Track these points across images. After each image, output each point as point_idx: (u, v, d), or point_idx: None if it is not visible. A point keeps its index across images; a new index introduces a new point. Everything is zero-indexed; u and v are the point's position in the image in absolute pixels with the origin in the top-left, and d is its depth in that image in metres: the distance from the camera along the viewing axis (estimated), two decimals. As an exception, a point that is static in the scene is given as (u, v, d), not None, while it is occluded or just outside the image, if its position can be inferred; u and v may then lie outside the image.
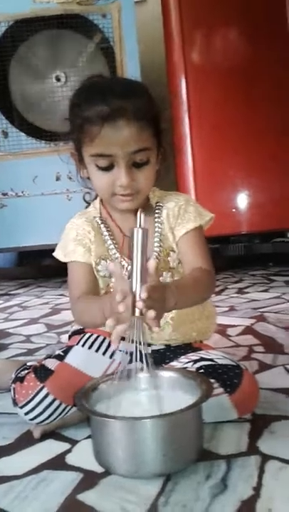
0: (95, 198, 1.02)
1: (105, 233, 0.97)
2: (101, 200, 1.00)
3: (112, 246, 0.96)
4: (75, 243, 0.96)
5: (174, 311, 0.95)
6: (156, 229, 0.96)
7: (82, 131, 0.87)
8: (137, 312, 0.72)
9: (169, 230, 0.97)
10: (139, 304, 0.71)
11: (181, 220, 0.96)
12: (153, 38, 2.48)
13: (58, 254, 1.00)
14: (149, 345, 0.98)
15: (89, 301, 0.91)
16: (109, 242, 0.96)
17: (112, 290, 0.93)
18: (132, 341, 0.75)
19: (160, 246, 0.96)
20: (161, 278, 0.94)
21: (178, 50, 2.34)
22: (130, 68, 2.31)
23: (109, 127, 0.83)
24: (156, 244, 0.96)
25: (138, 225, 0.77)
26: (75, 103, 0.89)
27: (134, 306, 0.72)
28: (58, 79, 2.36)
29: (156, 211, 0.98)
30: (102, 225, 0.97)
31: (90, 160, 0.88)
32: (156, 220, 0.97)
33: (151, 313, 0.72)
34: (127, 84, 0.91)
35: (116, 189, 0.88)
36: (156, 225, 0.97)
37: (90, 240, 0.96)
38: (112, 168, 0.86)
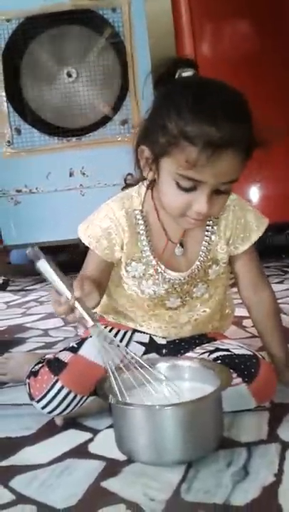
0: (139, 181, 0.92)
1: (142, 232, 0.90)
2: (151, 189, 0.89)
3: (146, 248, 0.90)
4: (103, 234, 0.90)
5: (199, 314, 0.96)
6: (206, 237, 0.92)
7: (176, 145, 0.75)
8: (88, 324, 0.77)
9: (223, 241, 0.92)
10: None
11: (243, 233, 0.92)
12: (163, 32, 2.47)
13: (81, 229, 0.93)
14: (164, 337, 0.99)
15: None
16: (145, 243, 0.90)
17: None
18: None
19: (206, 256, 0.92)
20: (195, 289, 0.93)
21: (188, 44, 2.34)
22: (141, 63, 2.31)
23: (212, 155, 0.73)
24: (202, 254, 0.92)
25: (37, 261, 0.77)
26: (176, 106, 0.76)
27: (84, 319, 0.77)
28: (69, 75, 2.36)
29: (211, 220, 0.91)
30: (140, 221, 0.90)
31: (172, 175, 0.78)
32: (208, 228, 0.91)
33: None
34: (239, 102, 0.79)
35: (190, 212, 0.80)
36: (207, 233, 0.91)
37: (123, 241, 0.90)
38: (193, 191, 0.78)
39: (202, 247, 0.92)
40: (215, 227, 0.92)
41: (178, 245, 0.91)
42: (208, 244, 0.92)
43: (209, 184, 0.77)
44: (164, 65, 0.84)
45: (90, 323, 0.77)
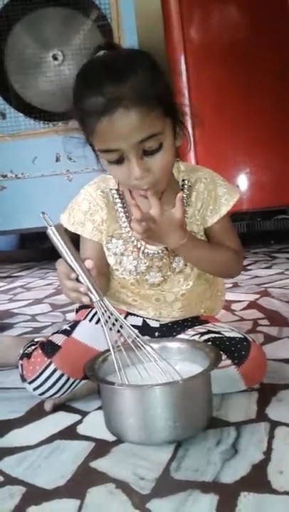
0: None
1: (120, 209, 0.92)
2: None
3: (126, 224, 0.92)
4: (85, 217, 0.92)
5: (185, 289, 0.95)
6: None
7: (83, 124, 0.80)
8: (96, 296, 0.76)
9: (197, 213, 0.93)
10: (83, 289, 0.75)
11: (213, 205, 0.93)
12: (151, 14, 2.43)
13: (64, 219, 0.94)
14: (157, 320, 0.99)
15: None
16: (124, 219, 0.92)
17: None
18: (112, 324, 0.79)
19: None
20: (174, 263, 0.93)
21: (177, 27, 2.31)
22: (128, 45, 2.27)
23: (106, 121, 0.75)
24: None
25: (48, 225, 0.75)
26: (75, 90, 0.80)
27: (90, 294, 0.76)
28: (55, 58, 2.33)
29: (184, 190, 0.92)
30: (117, 200, 0.92)
31: (101, 155, 0.82)
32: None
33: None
34: (122, 60, 0.80)
35: (133, 182, 0.81)
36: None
37: (102, 218, 0.92)
38: (123, 161, 0.79)
39: None
40: (188, 200, 0.93)
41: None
42: (184, 217, 0.91)
43: (126, 149, 0.77)
44: (93, 52, 0.84)
45: (96, 297, 0.76)
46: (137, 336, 0.80)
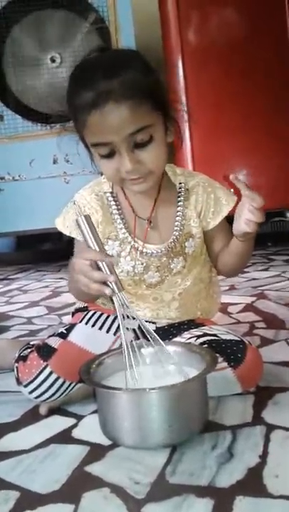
0: None
1: (115, 212, 0.93)
2: None
3: (121, 226, 0.92)
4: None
5: (182, 288, 0.96)
6: (179, 212, 0.93)
7: (76, 120, 0.82)
8: (116, 290, 0.76)
9: (196, 216, 0.94)
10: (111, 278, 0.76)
11: (214, 207, 0.94)
12: (149, 18, 2.44)
13: (59, 223, 0.97)
14: (153, 322, 0.98)
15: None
16: (119, 221, 0.92)
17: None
18: (127, 317, 0.78)
19: (180, 230, 0.93)
20: (172, 264, 0.94)
21: (174, 30, 2.31)
22: (126, 48, 2.28)
23: (97, 114, 0.77)
24: (176, 228, 0.93)
25: (78, 214, 0.77)
26: (68, 90, 0.83)
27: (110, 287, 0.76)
28: (52, 60, 2.33)
29: (180, 194, 0.94)
30: (112, 203, 0.93)
31: (93, 150, 0.84)
32: (179, 204, 0.93)
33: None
34: (114, 59, 0.83)
35: (123, 175, 0.82)
36: (180, 208, 0.93)
37: (97, 221, 0.92)
38: (115, 155, 0.81)
39: (176, 222, 0.93)
40: (186, 202, 0.94)
41: (146, 221, 0.93)
42: (182, 219, 0.94)
43: (117, 142, 0.79)
44: (87, 56, 0.87)
45: (115, 290, 0.76)
46: (151, 335, 0.81)
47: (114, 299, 0.77)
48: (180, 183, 0.94)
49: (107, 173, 0.86)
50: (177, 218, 0.93)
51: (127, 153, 0.79)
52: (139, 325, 0.98)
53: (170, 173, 0.95)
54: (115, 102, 0.76)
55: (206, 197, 0.94)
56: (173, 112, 0.86)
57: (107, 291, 0.76)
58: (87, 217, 0.78)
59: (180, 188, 0.94)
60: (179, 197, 0.94)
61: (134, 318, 0.80)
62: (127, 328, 0.81)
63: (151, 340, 0.81)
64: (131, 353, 0.79)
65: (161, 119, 0.83)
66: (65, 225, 0.96)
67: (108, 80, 0.77)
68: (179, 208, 0.93)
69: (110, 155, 0.81)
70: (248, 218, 0.81)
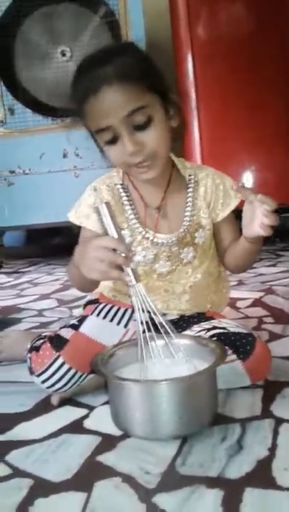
0: None
1: (126, 202, 0.94)
2: None
3: (132, 216, 0.94)
4: (90, 210, 0.95)
5: (193, 281, 0.97)
6: (189, 203, 0.95)
7: (79, 113, 0.85)
8: (134, 281, 0.76)
9: (205, 207, 0.95)
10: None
11: (224, 199, 0.96)
12: (159, 11, 2.43)
13: (71, 214, 0.99)
14: (164, 314, 0.99)
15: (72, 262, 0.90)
16: (130, 212, 0.94)
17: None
18: (142, 310, 0.78)
19: (190, 220, 0.95)
20: (183, 254, 0.95)
21: (184, 24, 2.30)
22: (135, 42, 2.27)
23: (93, 100, 0.80)
24: (186, 218, 0.95)
25: (100, 201, 0.78)
26: (71, 84, 0.86)
27: (128, 276, 0.76)
28: (63, 54, 2.33)
29: (189, 185, 0.96)
30: (122, 193, 0.95)
31: (98, 138, 0.86)
32: (189, 194, 0.95)
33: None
34: (108, 49, 0.86)
35: (128, 159, 0.84)
36: (189, 199, 0.95)
37: None
38: (118, 140, 0.83)
39: (186, 212, 0.95)
40: (195, 193, 0.95)
41: (156, 210, 0.94)
42: (192, 209, 0.95)
43: (116, 125, 0.81)
44: None
45: (133, 281, 0.77)
46: (164, 327, 0.81)
47: (131, 288, 0.77)
48: (190, 176, 0.96)
49: (113, 160, 0.87)
50: (187, 208, 0.95)
51: (127, 135, 0.82)
52: (150, 317, 0.99)
53: (180, 166, 0.97)
54: (109, 86, 0.79)
55: (215, 188, 0.96)
56: (174, 97, 0.87)
57: (128, 278, 0.77)
58: (108, 205, 0.78)
59: (189, 179, 0.96)
60: (188, 188, 0.95)
61: (148, 312, 0.81)
62: (141, 322, 0.81)
63: (163, 333, 0.82)
64: (143, 344, 0.80)
65: (158, 101, 0.84)
66: (76, 216, 0.98)
67: (102, 67, 0.80)
68: (188, 199, 0.95)
69: (114, 141, 0.83)
70: (263, 222, 0.81)
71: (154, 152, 0.85)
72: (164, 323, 0.81)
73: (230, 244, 0.98)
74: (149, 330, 0.86)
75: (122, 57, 0.82)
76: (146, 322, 0.88)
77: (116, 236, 0.77)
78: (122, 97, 0.80)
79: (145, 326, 0.81)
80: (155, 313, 0.80)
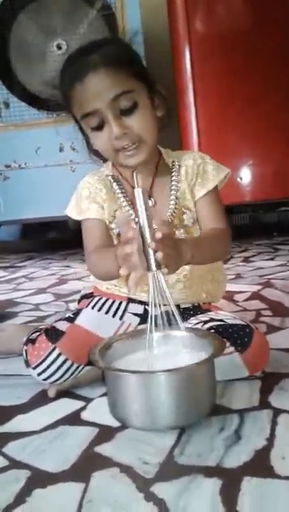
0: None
1: (118, 190, 0.97)
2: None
3: (124, 203, 0.96)
4: (88, 201, 0.97)
5: (187, 269, 0.96)
6: (173, 187, 0.96)
7: (66, 101, 0.87)
8: (154, 267, 0.74)
9: (187, 188, 0.97)
10: (157, 256, 0.73)
11: (201, 179, 0.97)
12: (156, 5, 2.42)
13: (72, 213, 1.01)
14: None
15: (102, 252, 0.92)
16: (122, 199, 0.97)
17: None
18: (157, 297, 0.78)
19: (176, 204, 0.96)
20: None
21: (182, 17, 2.29)
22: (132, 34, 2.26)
23: (79, 85, 0.83)
24: (171, 202, 0.96)
25: (136, 186, 0.77)
26: (59, 78, 0.89)
27: (149, 262, 0.74)
28: (59, 47, 2.32)
29: (173, 170, 0.97)
30: (114, 183, 0.97)
31: (84, 125, 0.88)
32: (173, 178, 0.97)
33: (165, 270, 0.74)
34: (96, 41, 0.89)
35: (115, 144, 0.86)
36: (173, 183, 0.97)
37: (102, 198, 0.96)
38: (104, 125, 0.85)
39: (171, 196, 0.96)
40: (179, 177, 0.96)
41: None
42: (176, 191, 0.96)
43: (103, 109, 0.83)
44: None
45: (153, 268, 0.75)
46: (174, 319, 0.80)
47: (150, 275, 0.76)
48: (173, 162, 0.98)
49: (100, 146, 0.89)
50: (172, 192, 0.96)
51: (114, 118, 0.84)
52: (144, 310, 0.99)
53: (165, 156, 0.99)
54: (95, 72, 0.82)
55: (196, 168, 0.97)
56: (160, 87, 0.90)
57: (150, 261, 0.74)
58: (144, 191, 0.76)
59: (173, 164, 0.98)
60: (172, 172, 0.97)
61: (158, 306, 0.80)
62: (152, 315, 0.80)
63: (161, 324, 0.81)
64: (148, 333, 0.80)
65: (144, 89, 0.87)
66: (75, 210, 1.00)
67: (88, 56, 0.83)
68: (173, 183, 0.96)
69: (100, 127, 0.85)
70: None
71: (140, 136, 0.87)
72: (176, 313, 0.80)
73: (205, 227, 0.97)
74: (161, 319, 0.85)
75: (108, 46, 0.86)
76: (161, 312, 0.87)
77: (146, 224, 0.75)
78: (108, 81, 0.82)
79: (159, 314, 0.80)
80: (169, 303, 0.78)
